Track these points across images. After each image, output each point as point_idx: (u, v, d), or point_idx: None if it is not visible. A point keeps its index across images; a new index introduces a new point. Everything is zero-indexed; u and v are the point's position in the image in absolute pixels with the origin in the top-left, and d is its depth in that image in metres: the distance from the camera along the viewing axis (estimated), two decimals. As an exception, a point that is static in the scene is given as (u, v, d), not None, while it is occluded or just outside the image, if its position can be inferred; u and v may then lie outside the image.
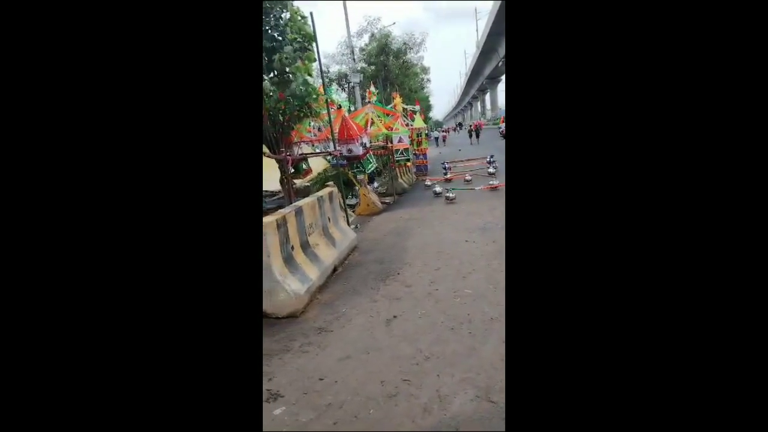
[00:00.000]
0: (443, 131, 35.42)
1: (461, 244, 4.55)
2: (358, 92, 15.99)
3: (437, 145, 26.43)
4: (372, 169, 6.90)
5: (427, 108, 40.74)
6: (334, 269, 4.13)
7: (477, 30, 61.90)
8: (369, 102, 9.61)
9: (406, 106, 11.75)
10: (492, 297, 3.08)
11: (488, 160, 10.23)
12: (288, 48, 5.08)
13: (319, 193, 4.67)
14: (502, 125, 28.20)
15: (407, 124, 10.51)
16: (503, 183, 7.70)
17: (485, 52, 56.37)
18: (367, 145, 6.43)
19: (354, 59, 19.24)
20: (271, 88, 5.16)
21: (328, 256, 4.12)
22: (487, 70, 64.13)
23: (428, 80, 35.02)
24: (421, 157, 11.38)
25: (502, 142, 21.73)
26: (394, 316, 2.97)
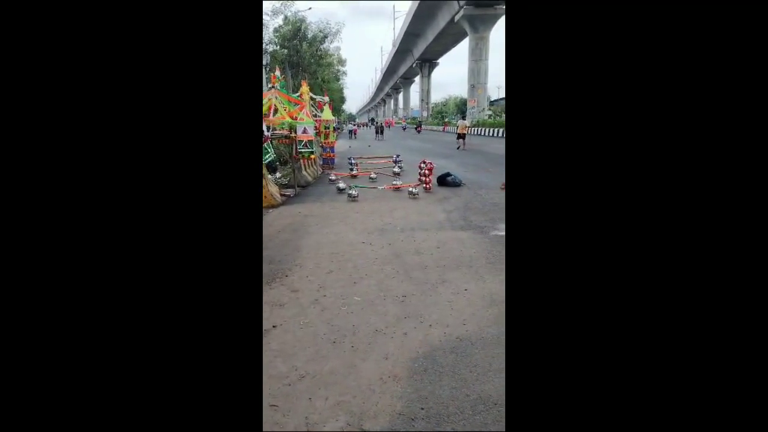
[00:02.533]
0: (355, 125, 35.54)
1: (357, 246, 4.40)
2: (264, 75, 15.16)
3: (350, 138, 26.84)
4: (269, 159, 6.45)
5: (340, 100, 40.53)
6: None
7: (394, 28, 62.93)
8: (273, 87, 9.03)
9: (314, 96, 11.34)
10: (381, 306, 2.95)
11: (394, 159, 10.29)
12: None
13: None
14: (403, 123, 43.40)
15: (315, 115, 10.13)
16: (406, 184, 7.75)
17: (401, 52, 57.53)
18: (265, 132, 5.98)
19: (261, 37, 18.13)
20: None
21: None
22: (402, 70, 65.62)
23: (344, 73, 34.76)
24: (329, 150, 11.08)
25: (405, 142, 22.70)
26: (273, 326, 2.70)
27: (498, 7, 33.16)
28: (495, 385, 2.02)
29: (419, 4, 39.56)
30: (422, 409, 1.87)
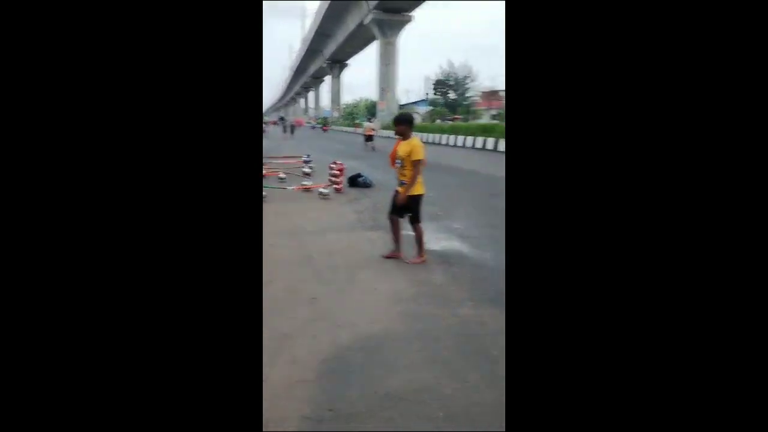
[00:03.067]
0: (264, 123, 34.51)
1: (266, 248, 4.25)
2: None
3: (259, 136, 26.20)
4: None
5: (247, 97, 39.09)
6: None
7: (303, 27, 62.04)
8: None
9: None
10: (290, 309, 2.89)
11: (304, 159, 10.13)
12: None
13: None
14: (313, 122, 45.01)
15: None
16: (317, 184, 7.67)
17: (311, 51, 56.89)
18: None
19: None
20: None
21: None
22: (312, 69, 64.90)
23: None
24: (234, 148, 10.55)
25: (316, 141, 22.54)
26: (171, 338, 2.51)
27: (405, 14, 34.27)
28: (401, 380, 2.09)
29: (329, 5, 39.46)
30: (330, 410, 1.86)
